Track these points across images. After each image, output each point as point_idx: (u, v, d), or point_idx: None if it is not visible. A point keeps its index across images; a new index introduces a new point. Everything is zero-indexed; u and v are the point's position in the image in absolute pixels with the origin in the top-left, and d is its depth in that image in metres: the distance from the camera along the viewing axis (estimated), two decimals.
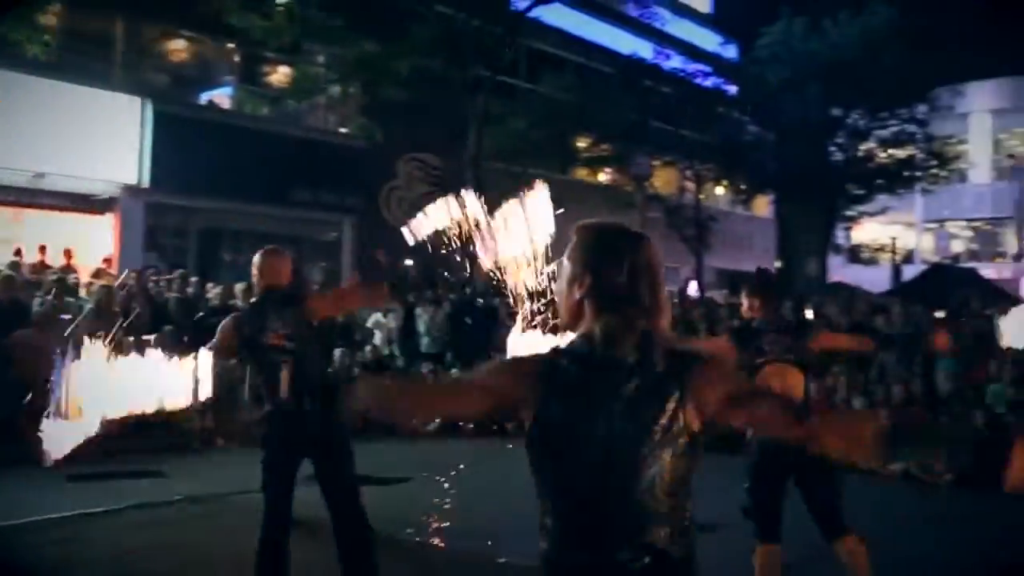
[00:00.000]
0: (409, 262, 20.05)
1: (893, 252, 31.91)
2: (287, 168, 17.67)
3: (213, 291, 14.17)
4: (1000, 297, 17.89)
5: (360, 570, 4.49)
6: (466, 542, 6.29)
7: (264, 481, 4.53)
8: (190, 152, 16.61)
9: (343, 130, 19.88)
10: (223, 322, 4.75)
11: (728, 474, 4.67)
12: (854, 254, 36.40)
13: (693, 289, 22.54)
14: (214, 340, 4.62)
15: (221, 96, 20.29)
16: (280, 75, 18.40)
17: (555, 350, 1.90)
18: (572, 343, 1.89)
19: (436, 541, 6.22)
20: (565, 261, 1.95)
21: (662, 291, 1.92)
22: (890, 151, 25.19)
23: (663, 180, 25.69)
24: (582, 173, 26.52)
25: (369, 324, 14.07)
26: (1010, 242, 41.63)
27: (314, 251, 19.58)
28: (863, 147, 25.15)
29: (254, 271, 4.75)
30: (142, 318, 11.86)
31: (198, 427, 10.34)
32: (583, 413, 1.80)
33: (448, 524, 6.65)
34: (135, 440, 9.49)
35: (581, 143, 23.18)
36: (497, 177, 19.03)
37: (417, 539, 6.15)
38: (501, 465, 9.38)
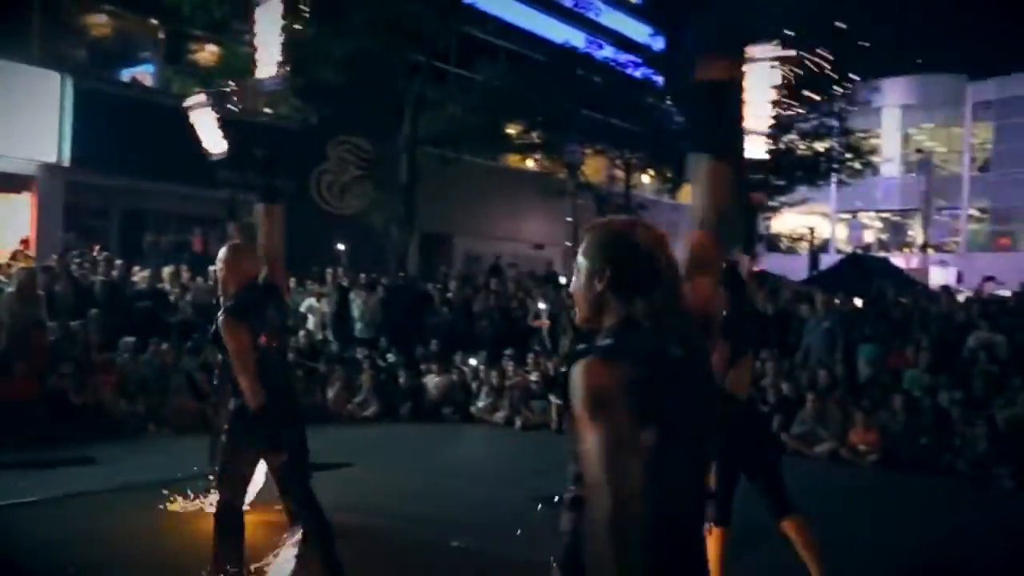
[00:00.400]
0: (341, 246, 20.00)
1: (811, 242, 32.90)
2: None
3: (139, 275, 13.81)
4: (911, 286, 18.67)
5: (320, 556, 4.49)
6: (416, 527, 6.29)
7: (228, 462, 4.61)
8: (113, 130, 16.08)
9: (269, 111, 19.43)
10: (235, 326, 4.41)
11: None
12: (772, 243, 37.40)
13: None
14: (241, 349, 4.40)
15: (143, 74, 19.67)
16: (207, 54, 17.83)
17: (611, 351, 1.81)
18: (619, 339, 1.85)
19: (385, 526, 6.20)
20: (581, 259, 2.00)
21: (679, 275, 1.97)
22: (810, 144, 25.82)
23: (593, 168, 25.91)
24: (515, 160, 26.58)
25: (303, 309, 13.87)
26: (917, 233, 43.38)
27: (241, 233, 19.16)
28: (784, 139, 25.73)
29: (223, 265, 4.60)
30: (67, 301, 11.50)
31: (129, 413, 10.02)
32: (687, 400, 1.83)
33: (395, 509, 6.64)
34: (62, 427, 9.24)
35: (514, 130, 23.15)
36: (432, 163, 18.97)
37: (366, 524, 6.10)
38: (440, 450, 9.45)
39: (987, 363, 10.15)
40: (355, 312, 14.10)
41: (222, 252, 4.66)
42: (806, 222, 35.94)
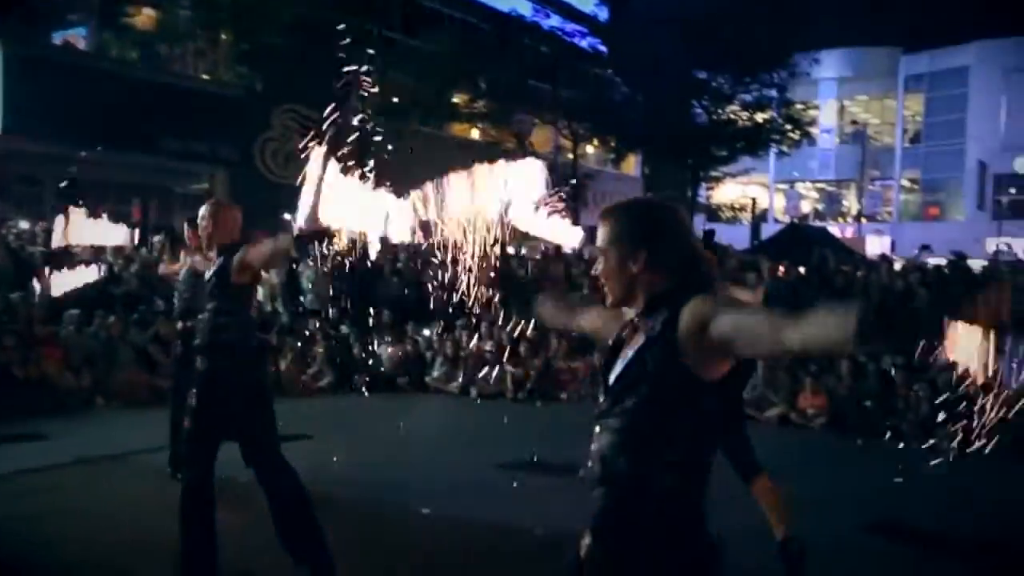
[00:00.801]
0: (287, 216, 19.56)
1: (753, 211, 33.47)
2: (155, 116, 16.70)
3: (79, 245, 13.44)
4: (850, 254, 19.14)
5: (298, 526, 4.41)
6: (382, 496, 6.23)
7: (196, 432, 4.43)
8: (47, 96, 15.50)
9: (207, 77, 18.93)
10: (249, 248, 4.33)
11: None
12: (714, 213, 37.96)
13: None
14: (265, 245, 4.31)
15: (76, 37, 18.96)
16: (145, 17, 17.23)
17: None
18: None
19: (351, 496, 6.16)
20: (606, 245, 2.04)
21: (703, 250, 2.04)
22: (751, 114, 26.19)
23: (540, 138, 25.90)
24: (461, 129, 26.34)
25: None
26: (851, 203, 44.47)
27: (184, 203, 18.75)
28: (727, 110, 26.03)
29: (204, 223, 4.47)
30: (5, 274, 11.15)
31: (75, 386, 9.76)
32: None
33: (358, 479, 6.60)
34: (6, 401, 8.96)
35: (461, 99, 22.95)
36: (379, 131, 18.68)
37: (331, 496, 6.05)
38: (398, 420, 9.37)
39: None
40: (304, 283, 13.90)
41: (205, 209, 4.51)
42: (746, 192, 36.55)
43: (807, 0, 23.62)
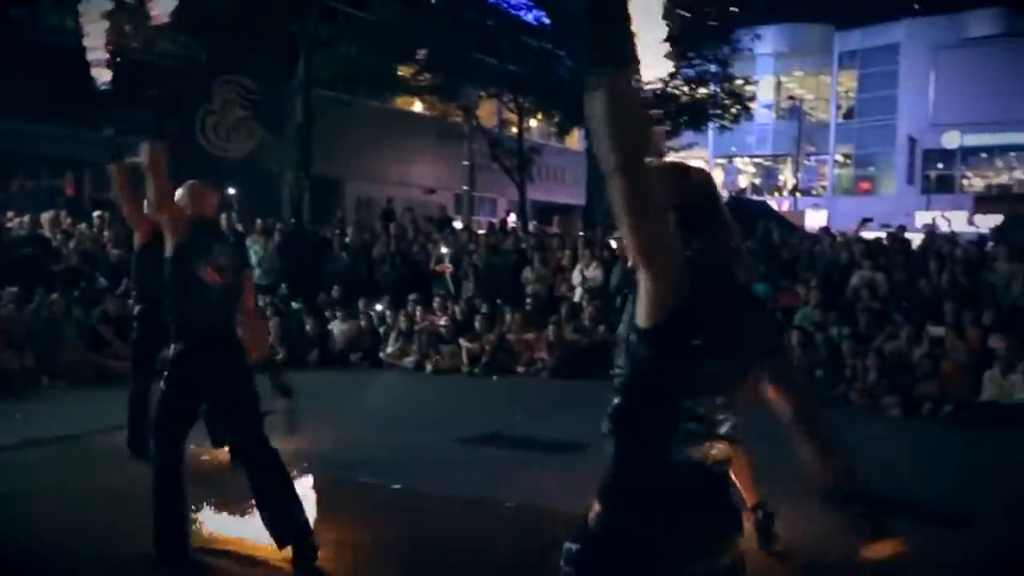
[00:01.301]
0: (232, 191, 19.23)
1: None
2: (91, 87, 16.01)
3: (15, 220, 12.99)
4: (792, 228, 19.53)
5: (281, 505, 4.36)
6: (349, 472, 6.16)
7: (167, 410, 4.42)
8: None
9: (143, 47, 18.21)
10: None
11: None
12: None
13: (513, 220, 22.86)
14: None
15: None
16: None
17: None
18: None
19: (318, 472, 6.08)
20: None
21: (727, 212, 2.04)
22: (693, 89, 26.31)
23: (485, 112, 25.70)
24: (406, 103, 26.01)
25: None
26: (787, 177, 45.34)
27: (122, 175, 18.10)
28: (670, 85, 26.10)
29: (185, 203, 4.51)
30: None
31: (18, 367, 9.45)
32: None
33: (322, 456, 6.44)
34: None
35: (407, 72, 22.57)
36: (326, 105, 18.29)
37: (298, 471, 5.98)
38: (354, 396, 9.29)
39: (870, 300, 10.79)
40: (252, 259, 13.65)
41: (182, 192, 4.54)
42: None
43: None
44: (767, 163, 48.13)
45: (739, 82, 27.76)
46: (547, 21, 24.87)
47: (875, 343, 9.76)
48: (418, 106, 26.56)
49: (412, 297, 12.06)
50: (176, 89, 17.28)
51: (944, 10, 40.36)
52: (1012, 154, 41.16)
